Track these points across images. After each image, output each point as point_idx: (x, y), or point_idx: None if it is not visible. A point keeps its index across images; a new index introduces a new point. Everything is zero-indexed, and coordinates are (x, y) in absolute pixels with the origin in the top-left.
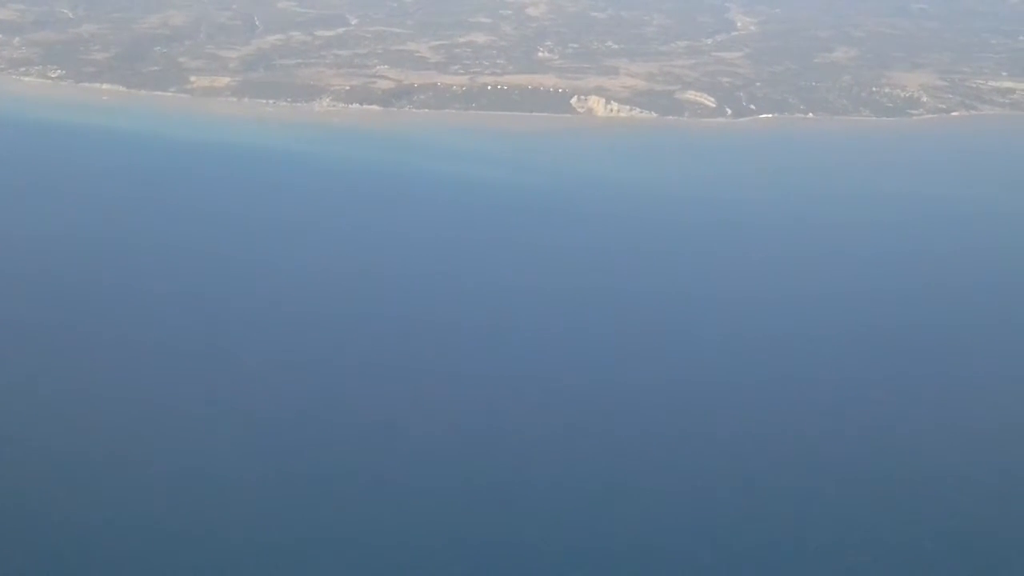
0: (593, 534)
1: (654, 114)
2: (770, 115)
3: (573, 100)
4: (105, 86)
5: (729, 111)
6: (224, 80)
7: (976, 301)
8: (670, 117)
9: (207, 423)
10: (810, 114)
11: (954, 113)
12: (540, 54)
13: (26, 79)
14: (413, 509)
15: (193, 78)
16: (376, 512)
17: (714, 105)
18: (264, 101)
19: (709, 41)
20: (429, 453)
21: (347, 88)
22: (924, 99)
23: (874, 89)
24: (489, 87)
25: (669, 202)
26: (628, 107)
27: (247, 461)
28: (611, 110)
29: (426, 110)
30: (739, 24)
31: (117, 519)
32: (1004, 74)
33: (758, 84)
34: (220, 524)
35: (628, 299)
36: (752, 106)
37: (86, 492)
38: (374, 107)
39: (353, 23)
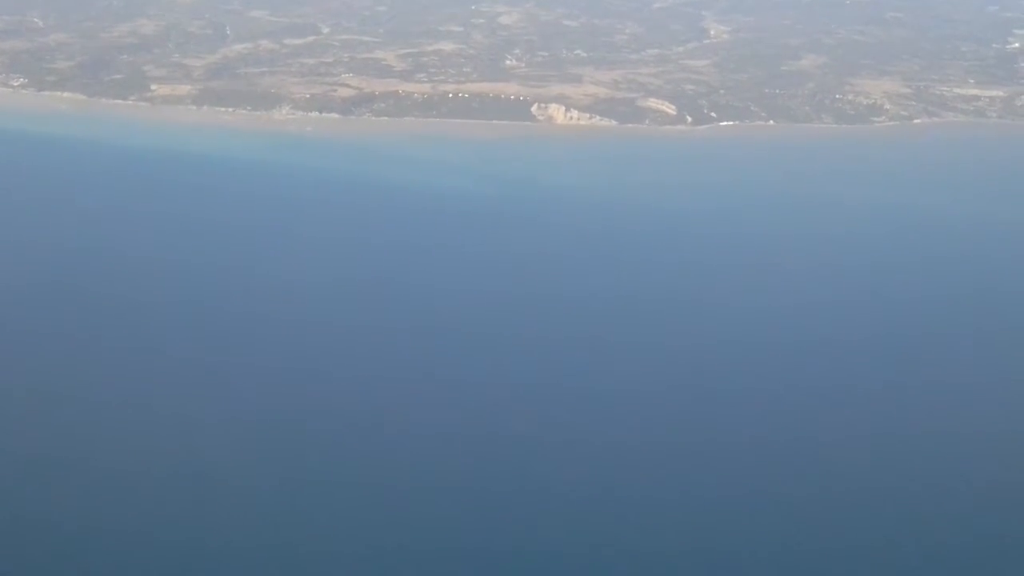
0: (593, 539)
1: (614, 122)
2: (730, 123)
3: (533, 108)
4: (66, 94)
5: (689, 119)
6: (185, 88)
7: (930, 309)
8: (629, 125)
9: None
10: (771, 121)
11: (916, 120)
12: (508, 62)
13: None
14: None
15: (154, 86)
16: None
17: (674, 112)
18: (223, 109)
19: (680, 49)
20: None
21: (307, 96)
22: (887, 106)
23: (837, 96)
24: (450, 95)
25: (613, 209)
26: (588, 115)
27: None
28: (571, 118)
29: (385, 118)
30: (712, 32)
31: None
32: (971, 81)
33: (721, 92)
34: (221, 528)
35: (569, 304)
36: (713, 114)
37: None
38: (333, 115)
39: (325, 32)
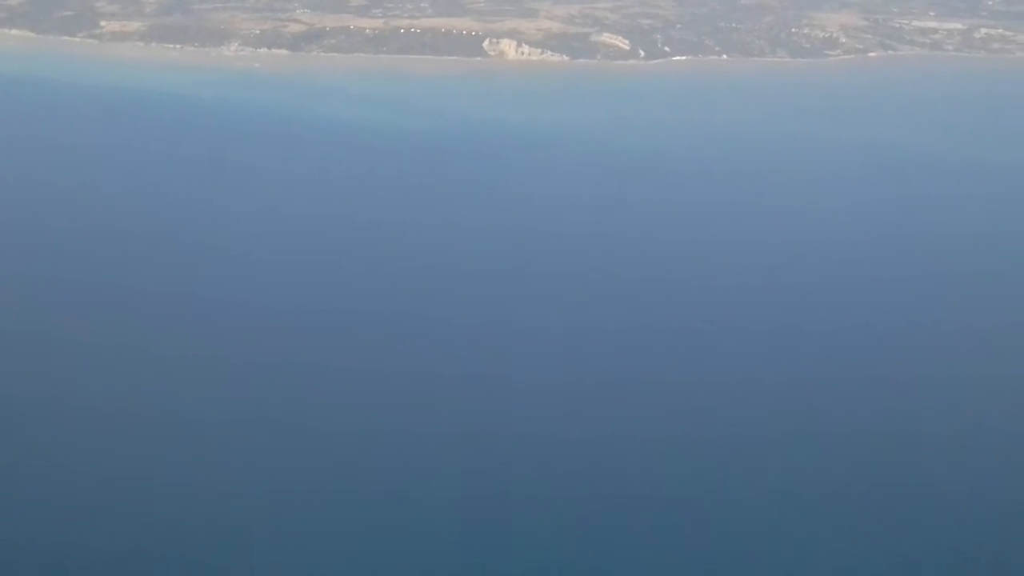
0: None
1: (565, 57)
2: (684, 57)
3: (485, 43)
4: (14, 31)
5: (643, 53)
6: (135, 25)
7: (872, 250)
8: (581, 60)
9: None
10: (724, 56)
11: (871, 54)
12: None
13: None
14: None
15: (103, 22)
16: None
17: (628, 47)
18: (172, 46)
19: None
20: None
21: (257, 32)
22: (842, 40)
23: (793, 30)
24: (402, 31)
25: (554, 144)
26: (540, 50)
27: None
28: (522, 53)
29: (335, 54)
30: None
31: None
32: (931, 14)
33: (678, 26)
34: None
35: (517, 237)
36: (667, 48)
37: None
38: (282, 51)
39: None
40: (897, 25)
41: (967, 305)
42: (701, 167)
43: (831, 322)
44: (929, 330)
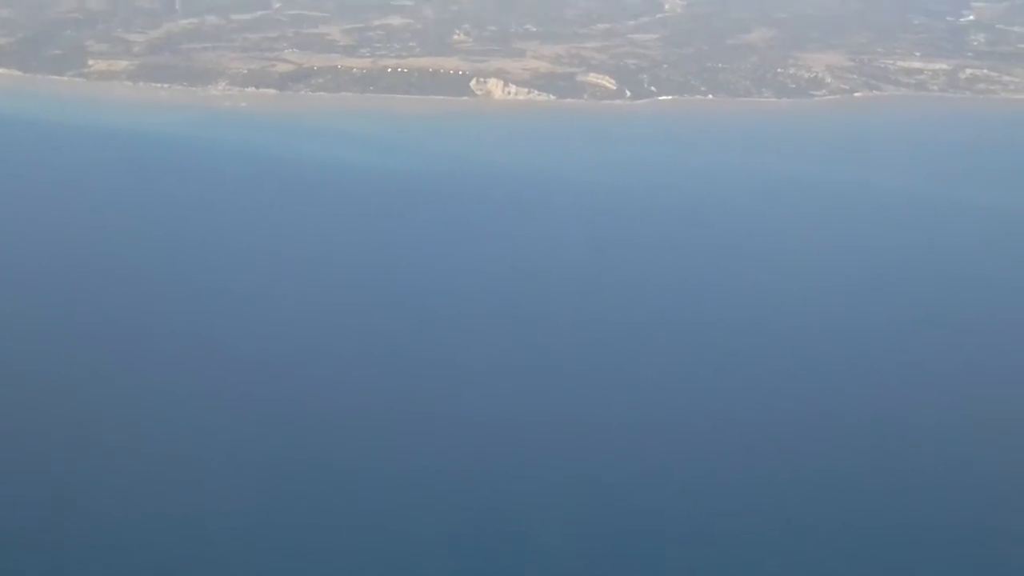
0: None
1: (552, 97)
2: (670, 97)
3: (472, 83)
4: (1, 71)
5: (628, 93)
6: (123, 64)
7: (866, 288)
8: (568, 100)
9: None
10: (710, 96)
11: (857, 94)
12: (455, 37)
13: None
14: None
15: (91, 61)
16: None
17: (614, 87)
18: (159, 85)
19: (631, 23)
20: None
21: (245, 72)
22: (828, 80)
23: (779, 70)
24: (389, 70)
25: (542, 185)
26: (527, 90)
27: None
28: (509, 93)
29: (322, 93)
30: (667, 6)
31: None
32: (917, 55)
33: (664, 66)
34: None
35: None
36: (653, 88)
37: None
38: (270, 91)
39: (276, 6)
40: (882, 65)
41: (955, 348)
42: (688, 208)
43: (823, 364)
44: (918, 371)
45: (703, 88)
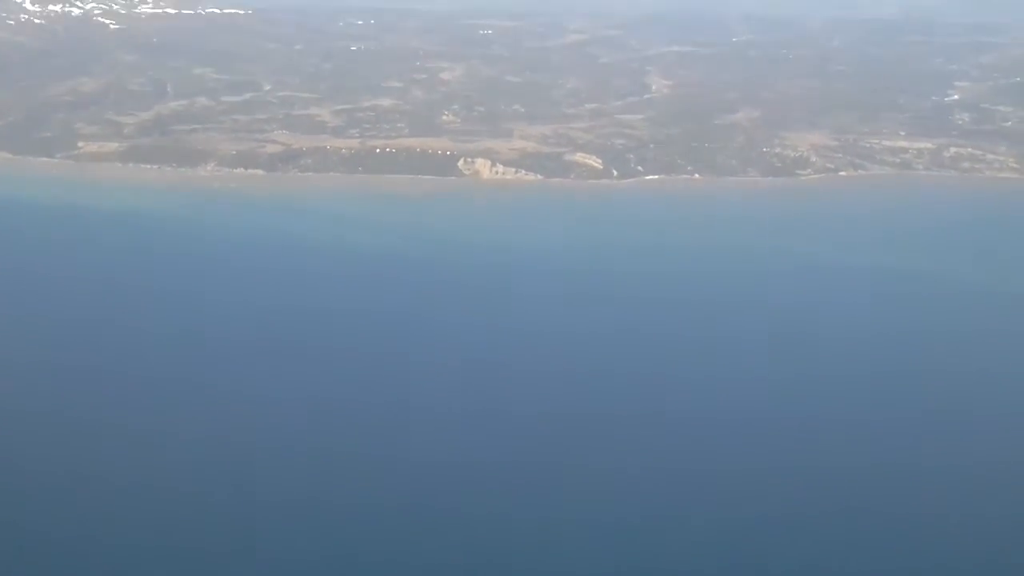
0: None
1: (539, 176)
2: (656, 176)
3: (460, 163)
4: None
5: (615, 173)
6: (113, 146)
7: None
8: (555, 179)
9: None
10: (696, 175)
11: (842, 173)
12: (444, 118)
13: None
14: None
15: (81, 143)
16: None
17: (601, 167)
18: (148, 166)
19: (618, 103)
20: None
21: (233, 153)
22: (813, 159)
23: (765, 150)
24: (378, 150)
25: (529, 266)
26: (514, 169)
27: None
28: (496, 172)
29: (311, 173)
30: (654, 87)
31: None
32: (902, 134)
33: (651, 146)
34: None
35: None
36: (640, 167)
37: None
38: (258, 171)
39: (266, 88)
40: (867, 145)
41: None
42: (674, 293)
43: (815, 457)
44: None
45: (690, 167)
